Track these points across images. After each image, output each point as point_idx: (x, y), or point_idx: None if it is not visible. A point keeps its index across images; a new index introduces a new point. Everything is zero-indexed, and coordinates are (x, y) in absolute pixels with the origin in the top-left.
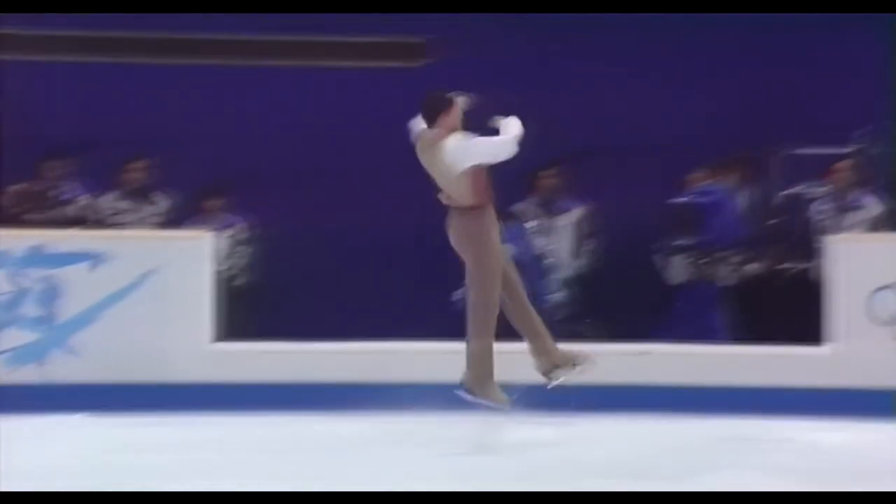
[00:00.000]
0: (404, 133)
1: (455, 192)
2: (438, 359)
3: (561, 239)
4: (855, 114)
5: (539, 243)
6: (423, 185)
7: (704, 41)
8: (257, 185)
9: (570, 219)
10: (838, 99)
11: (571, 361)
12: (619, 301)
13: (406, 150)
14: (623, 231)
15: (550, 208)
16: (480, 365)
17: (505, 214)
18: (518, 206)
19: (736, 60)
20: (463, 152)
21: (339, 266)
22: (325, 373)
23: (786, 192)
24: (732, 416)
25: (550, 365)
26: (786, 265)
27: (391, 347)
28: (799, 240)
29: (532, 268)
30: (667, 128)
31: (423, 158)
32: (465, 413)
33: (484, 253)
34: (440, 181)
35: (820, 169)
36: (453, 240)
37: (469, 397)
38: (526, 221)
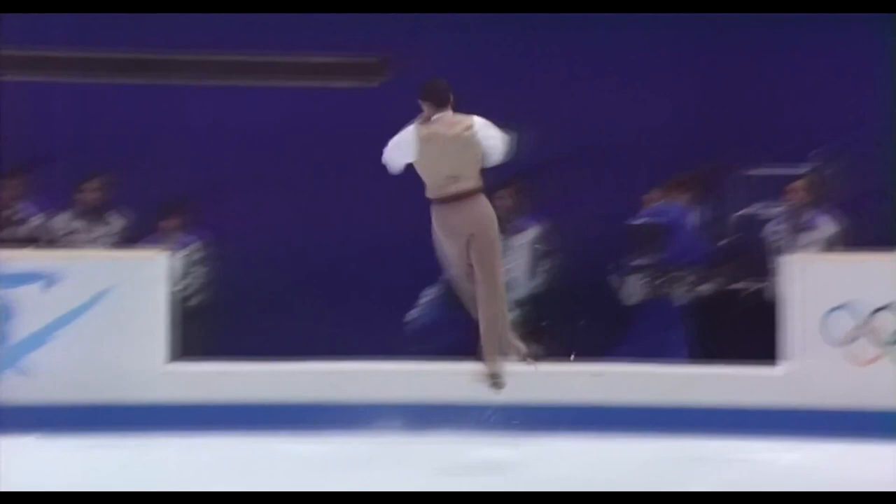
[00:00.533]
0: (360, 151)
1: (471, 173)
2: (395, 378)
3: (517, 258)
4: (811, 133)
5: None
6: (379, 203)
7: (660, 58)
8: (213, 204)
9: (526, 238)
10: (795, 118)
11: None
12: (574, 320)
13: (362, 168)
14: (579, 250)
15: (506, 227)
16: (494, 330)
17: None
18: None
19: (693, 78)
20: (495, 132)
21: (294, 285)
22: (281, 392)
23: (741, 212)
24: (688, 436)
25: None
26: (741, 285)
27: (348, 367)
28: (754, 259)
29: None
30: (622, 146)
31: (439, 140)
32: (422, 433)
33: (496, 233)
34: (454, 162)
35: (775, 189)
36: (468, 221)
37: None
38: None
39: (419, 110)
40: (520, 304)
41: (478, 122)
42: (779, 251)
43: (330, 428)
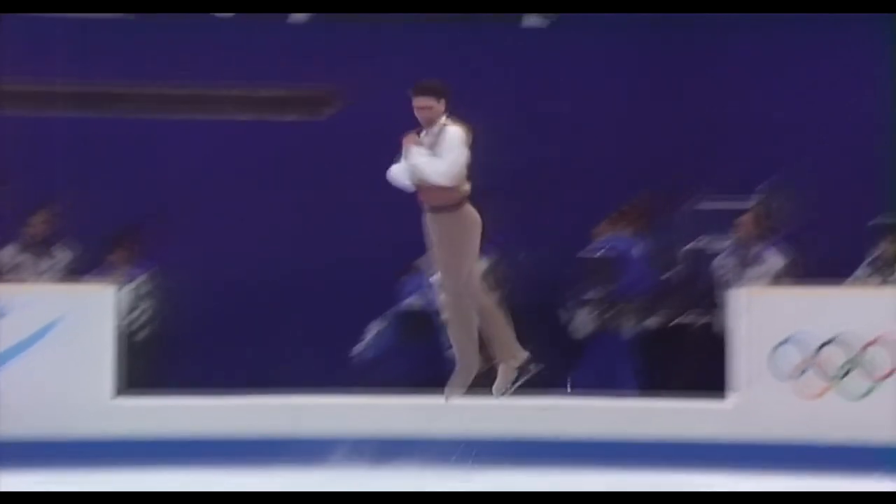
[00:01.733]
0: (308, 183)
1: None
2: (346, 412)
3: None
4: (758, 167)
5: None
6: (328, 235)
7: (609, 91)
8: (160, 237)
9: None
10: (742, 153)
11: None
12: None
13: (310, 201)
14: (528, 282)
15: None
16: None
17: (409, 266)
18: (423, 258)
19: (643, 109)
20: (443, 150)
21: (242, 318)
22: (231, 426)
23: (689, 245)
24: (636, 469)
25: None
26: (689, 318)
27: (298, 401)
28: (702, 292)
29: (436, 319)
30: (572, 179)
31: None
32: (374, 467)
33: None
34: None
35: (723, 222)
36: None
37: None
38: (430, 273)
39: (366, 142)
40: None
41: (448, 132)
42: (727, 284)
43: (280, 462)
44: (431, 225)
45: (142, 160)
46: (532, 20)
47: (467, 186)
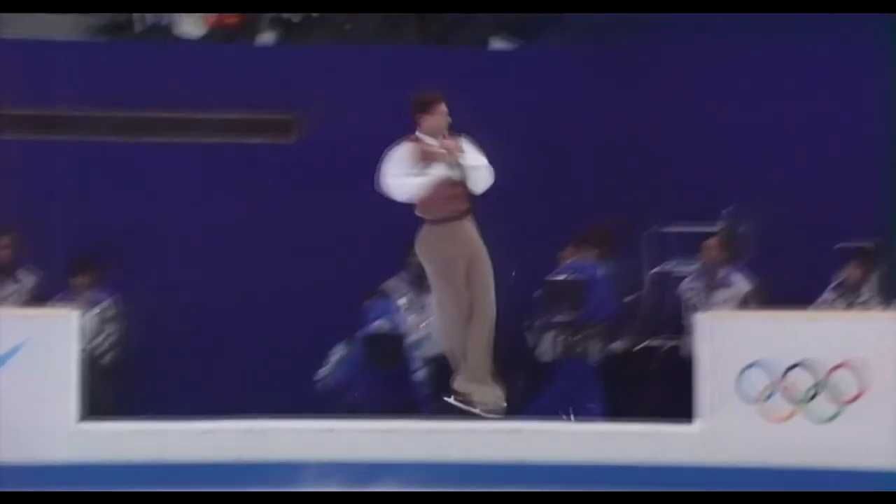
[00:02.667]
0: (272, 208)
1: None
2: (310, 436)
3: (431, 315)
4: (724, 191)
5: (410, 320)
6: (292, 259)
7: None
8: (125, 262)
9: None
10: (709, 176)
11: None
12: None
13: (273, 225)
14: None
15: (422, 284)
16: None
17: (375, 290)
18: (389, 282)
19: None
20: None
21: (206, 343)
22: (195, 451)
23: (656, 269)
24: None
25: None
26: (656, 342)
27: (260, 425)
28: (669, 316)
29: (404, 343)
30: (537, 202)
31: None
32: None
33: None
34: None
35: (690, 246)
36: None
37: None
38: (396, 297)
39: (333, 166)
40: (436, 360)
41: (465, 142)
42: (693, 308)
43: (242, 487)
44: (437, 238)
45: (106, 184)
46: (499, 43)
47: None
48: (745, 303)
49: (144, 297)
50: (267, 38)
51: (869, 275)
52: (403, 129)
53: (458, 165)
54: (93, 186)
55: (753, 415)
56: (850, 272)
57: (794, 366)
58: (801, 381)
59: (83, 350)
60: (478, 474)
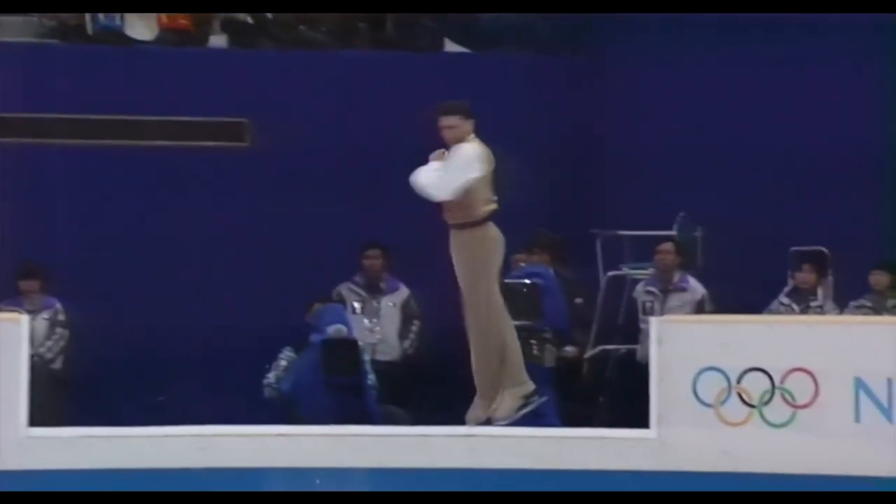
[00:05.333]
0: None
1: (462, 201)
2: (260, 442)
3: (386, 320)
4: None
5: (362, 324)
6: (242, 264)
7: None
8: (75, 266)
9: (396, 300)
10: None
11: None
12: (443, 383)
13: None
14: (447, 311)
15: (375, 289)
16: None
17: (327, 295)
18: (342, 286)
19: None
20: (448, 164)
21: (156, 348)
22: (146, 458)
23: (610, 273)
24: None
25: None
26: (610, 347)
27: (211, 431)
28: (623, 321)
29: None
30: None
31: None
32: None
33: (484, 264)
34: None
35: (644, 251)
36: (455, 249)
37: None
38: (349, 301)
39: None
40: (390, 365)
41: (460, 150)
42: (648, 313)
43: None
44: (453, 243)
45: (55, 188)
46: (453, 47)
47: (491, 206)
48: (699, 307)
49: (94, 301)
50: (219, 40)
51: (822, 279)
52: (355, 132)
53: None
54: (41, 190)
55: (709, 419)
56: (805, 277)
57: (750, 370)
58: (757, 385)
59: (32, 356)
60: (432, 480)
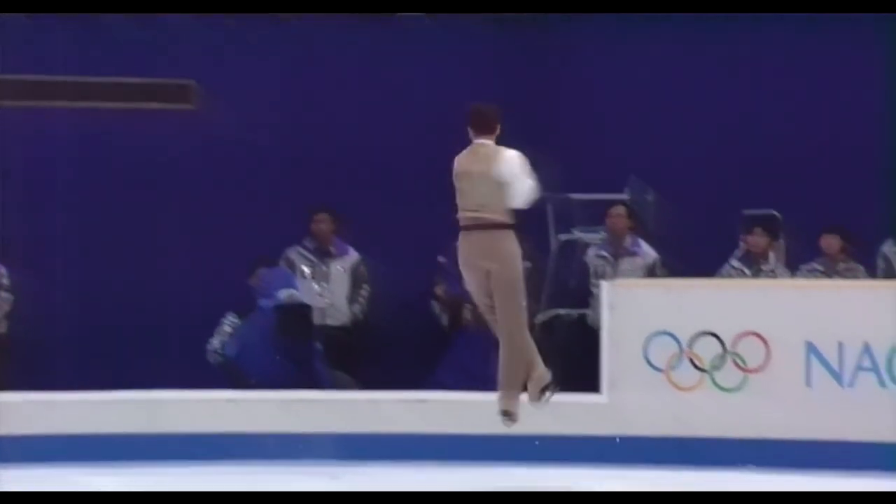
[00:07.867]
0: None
1: (496, 207)
2: (208, 407)
3: (335, 284)
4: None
5: (311, 289)
6: (187, 230)
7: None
8: (18, 230)
9: (346, 264)
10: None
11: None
12: (393, 348)
13: (168, 193)
14: (399, 277)
15: (324, 253)
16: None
17: (275, 259)
18: (290, 251)
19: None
20: (523, 170)
21: (102, 313)
22: (89, 424)
23: (561, 238)
24: (509, 465)
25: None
26: (562, 311)
27: (157, 396)
28: (575, 285)
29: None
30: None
31: (477, 168)
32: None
33: (518, 269)
34: (480, 195)
35: (595, 215)
36: (487, 255)
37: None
38: (298, 266)
39: (231, 137)
40: (339, 330)
41: (509, 160)
42: (600, 277)
43: (138, 459)
44: (491, 244)
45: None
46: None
47: None
48: (651, 272)
49: (37, 266)
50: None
51: (774, 243)
52: (304, 98)
53: None
54: None
55: (660, 383)
56: (756, 240)
57: (701, 334)
58: (708, 349)
59: None
60: (383, 446)
